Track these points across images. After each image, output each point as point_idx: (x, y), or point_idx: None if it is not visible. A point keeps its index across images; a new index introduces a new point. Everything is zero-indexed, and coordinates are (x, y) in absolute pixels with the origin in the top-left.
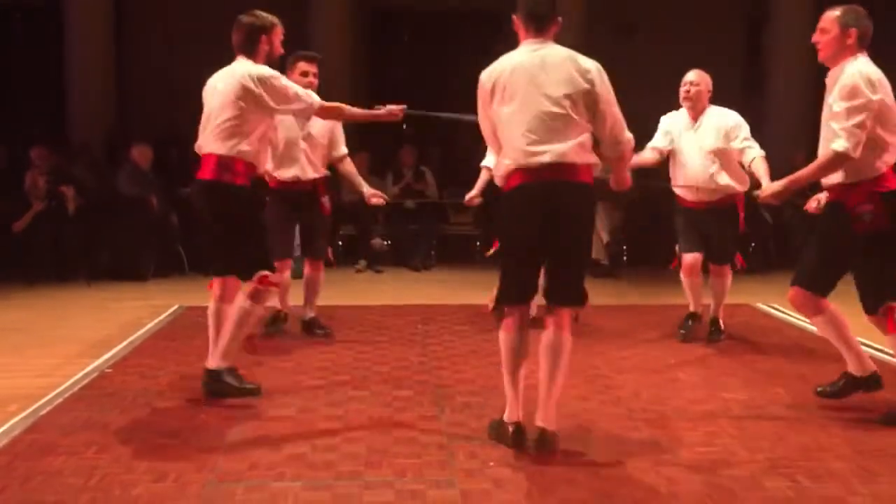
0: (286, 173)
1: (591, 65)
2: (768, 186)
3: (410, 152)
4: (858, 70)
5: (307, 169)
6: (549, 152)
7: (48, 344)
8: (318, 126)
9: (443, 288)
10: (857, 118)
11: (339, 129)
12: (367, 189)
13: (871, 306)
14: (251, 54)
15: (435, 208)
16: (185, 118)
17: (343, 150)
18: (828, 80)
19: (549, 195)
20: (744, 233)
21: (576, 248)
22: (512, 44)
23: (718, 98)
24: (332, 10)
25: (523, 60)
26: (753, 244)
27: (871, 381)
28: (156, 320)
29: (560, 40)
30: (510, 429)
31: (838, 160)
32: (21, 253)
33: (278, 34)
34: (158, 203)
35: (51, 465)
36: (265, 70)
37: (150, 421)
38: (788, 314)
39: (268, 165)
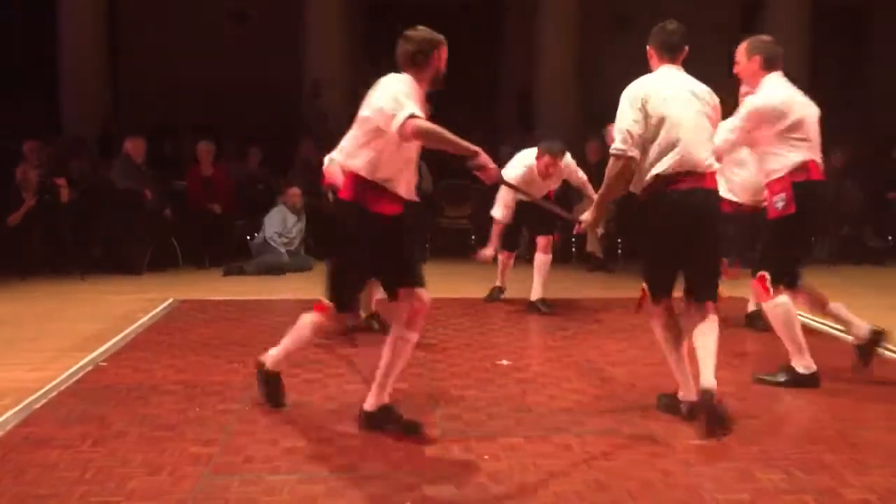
0: None
1: None
2: None
3: None
4: None
5: None
6: None
7: (42, 337)
8: None
9: (436, 281)
10: None
11: None
12: None
13: None
14: None
15: (429, 201)
16: (179, 111)
17: None
18: None
19: None
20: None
21: None
22: (510, 38)
23: (714, 87)
24: (328, 3)
25: None
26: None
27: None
28: (150, 314)
29: (555, 33)
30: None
31: None
32: (14, 246)
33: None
34: (152, 196)
35: (45, 458)
36: None
37: (144, 414)
38: None
39: None
